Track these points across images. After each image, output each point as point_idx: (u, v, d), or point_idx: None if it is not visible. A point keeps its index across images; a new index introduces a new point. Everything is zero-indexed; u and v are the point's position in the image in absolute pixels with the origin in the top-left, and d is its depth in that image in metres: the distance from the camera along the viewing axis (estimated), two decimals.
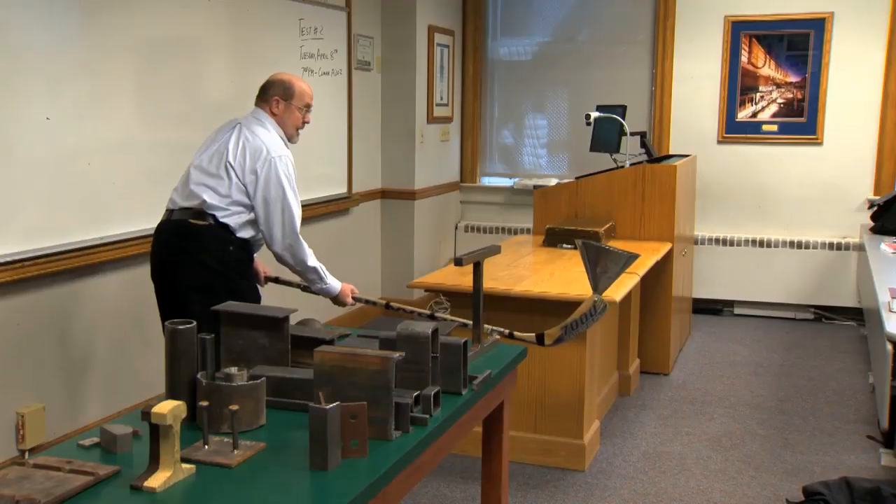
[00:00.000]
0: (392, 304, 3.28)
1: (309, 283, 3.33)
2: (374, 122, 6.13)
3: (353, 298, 3.39)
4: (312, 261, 3.27)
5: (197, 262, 3.16)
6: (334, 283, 3.35)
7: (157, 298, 3.28)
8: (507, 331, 2.80)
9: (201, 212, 3.16)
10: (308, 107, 3.35)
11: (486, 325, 2.78)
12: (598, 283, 2.59)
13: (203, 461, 1.81)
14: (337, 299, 3.39)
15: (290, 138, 3.35)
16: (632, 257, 2.58)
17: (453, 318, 3.03)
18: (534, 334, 2.74)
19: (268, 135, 3.24)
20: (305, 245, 3.25)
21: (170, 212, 3.24)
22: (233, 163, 3.17)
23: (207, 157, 3.22)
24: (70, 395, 3.65)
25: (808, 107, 6.17)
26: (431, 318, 3.03)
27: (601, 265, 2.56)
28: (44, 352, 3.52)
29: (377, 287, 6.28)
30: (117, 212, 3.78)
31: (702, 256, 6.33)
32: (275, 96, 3.29)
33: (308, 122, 3.40)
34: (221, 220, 3.16)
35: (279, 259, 3.27)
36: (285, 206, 3.18)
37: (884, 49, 5.96)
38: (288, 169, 3.21)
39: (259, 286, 3.42)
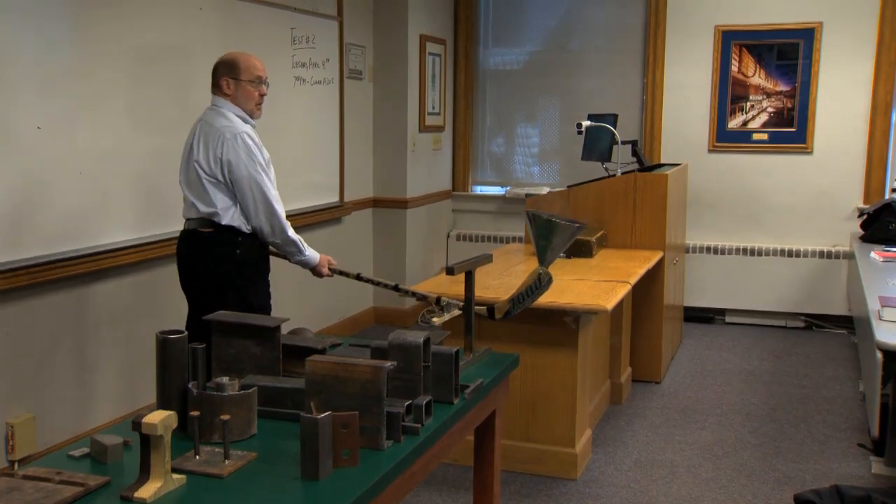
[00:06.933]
0: (361, 275, 3.44)
1: (288, 255, 3.40)
2: (365, 130, 6.13)
3: (330, 269, 3.47)
4: (291, 233, 3.33)
5: (204, 268, 3.28)
6: (313, 255, 3.42)
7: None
8: (460, 302, 2.77)
9: (202, 219, 3.26)
10: (259, 79, 3.34)
11: (443, 297, 2.82)
12: (545, 256, 2.60)
13: (194, 471, 1.80)
14: (315, 270, 3.46)
15: (252, 114, 3.36)
16: (579, 228, 2.59)
17: (415, 290, 3.16)
18: (485, 307, 2.75)
19: (223, 121, 3.26)
20: (283, 217, 3.29)
21: (185, 220, 3.34)
22: (198, 159, 3.23)
23: (185, 168, 3.30)
24: (60, 405, 3.63)
25: (797, 116, 6.20)
26: (396, 289, 3.23)
27: (547, 237, 2.57)
28: (34, 361, 3.50)
29: (369, 295, 6.28)
30: (108, 221, 3.77)
31: (693, 265, 6.34)
32: (223, 77, 3.31)
33: (265, 95, 3.38)
34: (225, 223, 3.24)
35: (260, 233, 3.30)
36: (252, 182, 3.21)
37: (872, 58, 6.00)
38: (247, 144, 3.22)
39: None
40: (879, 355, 3.30)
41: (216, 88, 3.33)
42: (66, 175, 3.54)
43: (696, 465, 3.81)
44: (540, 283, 2.64)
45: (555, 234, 2.56)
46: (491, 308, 2.71)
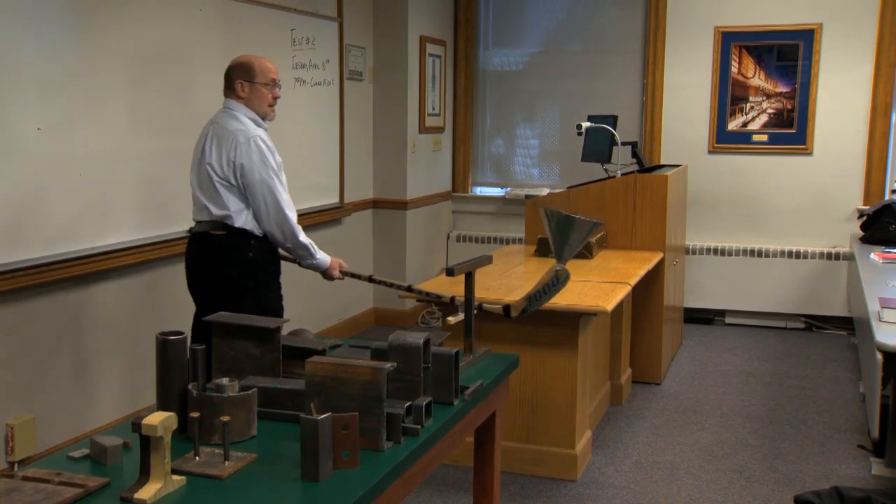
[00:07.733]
0: (374, 277, 3.48)
1: (299, 258, 3.41)
2: (365, 131, 6.13)
3: (341, 272, 3.49)
4: (303, 237, 3.33)
5: (216, 271, 3.27)
6: (324, 258, 3.42)
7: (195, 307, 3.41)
8: (478, 303, 2.79)
9: (215, 222, 3.25)
10: (274, 82, 3.36)
11: (457, 297, 2.83)
12: (562, 253, 2.58)
13: (194, 472, 1.80)
14: (326, 273, 3.47)
15: (266, 117, 3.37)
16: (596, 224, 2.58)
17: (429, 291, 3.22)
18: (500, 306, 2.75)
19: (236, 124, 3.26)
20: (294, 222, 3.30)
21: (196, 223, 3.34)
22: (211, 162, 3.23)
23: (197, 170, 3.30)
24: (60, 406, 3.63)
25: (797, 117, 6.21)
26: (409, 289, 3.29)
27: (564, 233, 2.55)
28: (34, 362, 3.50)
29: (369, 296, 6.28)
30: (108, 222, 3.77)
31: (693, 266, 6.34)
32: (238, 80, 3.32)
33: (278, 97, 3.41)
34: (237, 226, 3.24)
35: (271, 237, 3.30)
36: (264, 186, 3.22)
37: (872, 59, 6.00)
38: (260, 148, 3.23)
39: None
40: (879, 356, 3.30)
41: (229, 91, 3.33)
42: (67, 176, 3.54)
43: (697, 466, 3.81)
44: (557, 280, 2.62)
45: (572, 229, 2.55)
46: (507, 307, 2.70)
